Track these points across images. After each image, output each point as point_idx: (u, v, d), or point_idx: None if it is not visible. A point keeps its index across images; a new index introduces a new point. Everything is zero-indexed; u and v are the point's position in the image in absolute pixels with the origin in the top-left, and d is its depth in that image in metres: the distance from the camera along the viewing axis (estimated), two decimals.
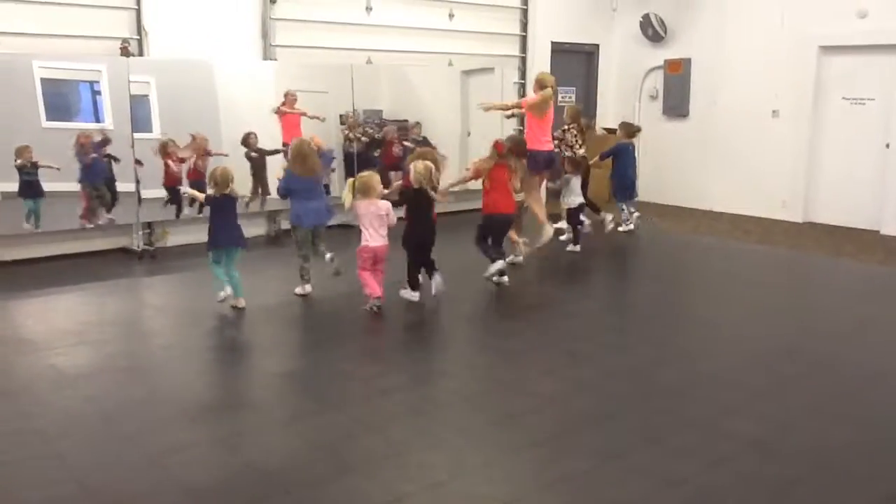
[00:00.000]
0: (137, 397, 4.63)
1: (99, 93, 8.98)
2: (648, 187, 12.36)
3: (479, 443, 3.98)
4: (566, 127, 9.26)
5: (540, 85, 8.11)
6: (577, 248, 8.73)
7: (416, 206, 6.55)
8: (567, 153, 9.00)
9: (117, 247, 8.48)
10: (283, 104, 9.63)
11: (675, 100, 11.81)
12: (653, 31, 11.84)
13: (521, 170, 7.46)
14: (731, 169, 11.20)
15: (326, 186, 7.91)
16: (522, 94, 11.76)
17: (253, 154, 9.37)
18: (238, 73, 9.45)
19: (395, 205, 6.55)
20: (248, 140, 9.38)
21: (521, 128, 9.67)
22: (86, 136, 8.42)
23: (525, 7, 11.78)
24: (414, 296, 6.55)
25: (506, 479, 3.63)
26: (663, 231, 10.10)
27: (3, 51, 7.69)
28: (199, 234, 8.17)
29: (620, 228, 9.83)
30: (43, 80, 8.28)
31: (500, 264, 7.02)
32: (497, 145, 7.28)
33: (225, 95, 9.31)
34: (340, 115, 10.31)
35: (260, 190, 9.52)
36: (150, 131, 8.94)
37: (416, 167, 6.47)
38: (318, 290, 6.80)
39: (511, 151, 7.28)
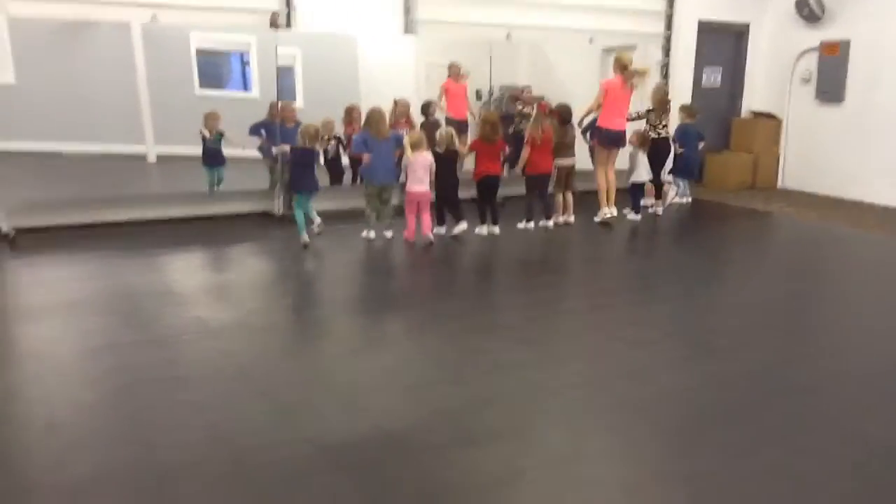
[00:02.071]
0: (271, 354, 4.83)
1: (248, 63, 9.37)
2: (795, 175, 11.82)
3: (603, 427, 3.92)
4: (650, 108, 9.45)
5: (620, 65, 8.55)
6: (638, 216, 9.27)
7: (441, 163, 7.80)
8: (651, 134, 9.35)
9: (260, 210, 8.80)
10: (448, 77, 9.82)
11: (830, 84, 11.14)
12: (809, 10, 11.18)
13: (557, 133, 8.51)
14: (886, 159, 10.48)
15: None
16: (666, 73, 11.44)
17: (431, 120, 9.53)
18: (380, 47, 9.61)
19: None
20: (427, 109, 9.61)
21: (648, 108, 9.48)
22: (291, 109, 8.62)
23: None
24: (440, 229, 8.03)
25: (626, 466, 3.56)
26: (807, 220, 9.60)
27: (162, 21, 8.07)
28: (334, 202, 8.45)
29: (675, 200, 10.32)
30: (198, 51, 8.70)
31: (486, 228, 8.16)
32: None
33: (366, 68, 9.50)
34: (477, 91, 10.34)
35: None
36: (294, 101, 9.24)
37: (440, 133, 7.91)
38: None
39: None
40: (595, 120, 8.87)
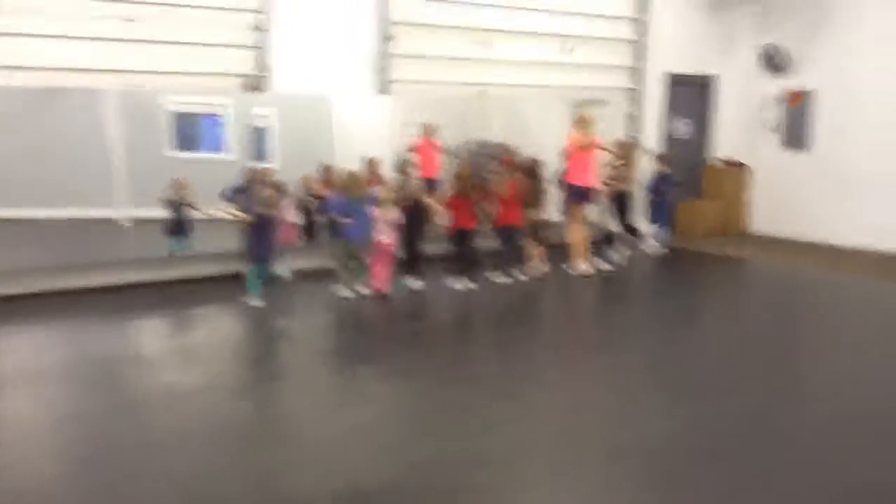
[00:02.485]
0: (243, 416, 4.77)
1: (222, 125, 9.44)
2: (765, 220, 11.96)
3: (586, 482, 3.88)
4: (618, 163, 9.58)
5: (581, 123, 8.84)
6: (611, 266, 9.28)
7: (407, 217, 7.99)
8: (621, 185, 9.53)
9: (232, 272, 8.74)
10: (424, 136, 9.94)
11: (796, 131, 11.37)
12: (774, 62, 11.46)
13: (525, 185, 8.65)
14: (854, 202, 10.64)
15: None
16: (636, 126, 11.62)
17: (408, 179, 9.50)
18: (354, 107, 9.72)
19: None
20: (404, 167, 9.67)
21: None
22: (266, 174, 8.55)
23: (639, 39, 11.63)
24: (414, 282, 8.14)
25: None
26: (779, 265, 9.69)
27: (134, 86, 8.12)
28: (315, 260, 8.44)
29: (648, 247, 10.33)
30: (171, 113, 8.77)
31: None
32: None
33: (341, 127, 9.59)
34: (449, 146, 10.44)
35: None
36: (268, 161, 9.30)
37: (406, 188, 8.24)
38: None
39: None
40: (562, 173, 9.02)
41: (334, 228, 8.43)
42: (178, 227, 8.48)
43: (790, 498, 3.61)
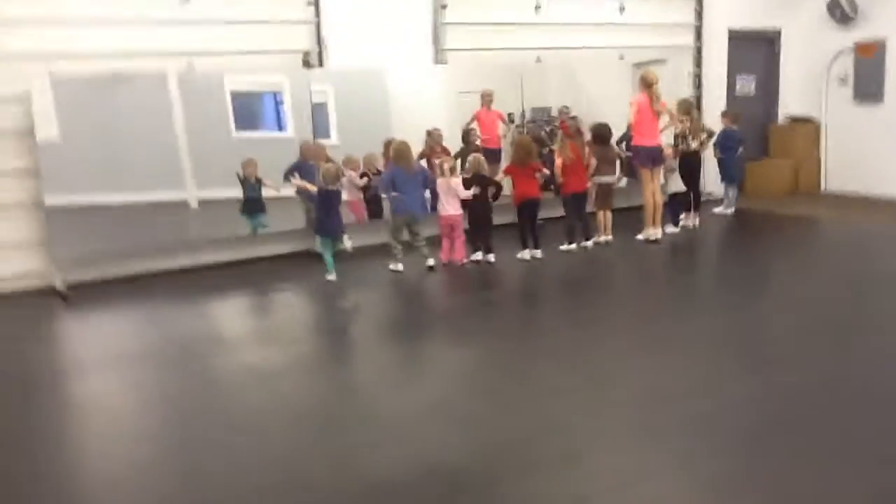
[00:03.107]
0: (323, 395, 4.83)
1: (282, 103, 9.47)
2: (837, 178, 11.61)
3: (664, 446, 3.84)
4: (681, 119, 9.25)
5: (645, 83, 8.62)
6: (677, 229, 9.20)
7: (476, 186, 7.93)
8: (682, 146, 9.19)
9: (302, 249, 8.84)
10: (482, 106, 9.87)
11: (868, 84, 10.96)
12: (841, 12, 11.04)
13: (596, 151, 8.63)
14: None
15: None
16: (698, 84, 11.35)
17: (472, 148, 9.41)
18: (410, 79, 9.66)
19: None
20: (468, 136, 9.64)
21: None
22: (319, 149, 8.66)
23: None
24: (476, 256, 8.07)
25: (691, 482, 3.48)
26: (853, 223, 9.42)
27: (197, 68, 8.22)
28: (373, 237, 8.48)
29: (717, 210, 10.32)
30: (232, 93, 8.82)
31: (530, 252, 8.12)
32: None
33: (397, 100, 9.55)
34: (509, 114, 10.34)
35: None
36: (329, 138, 9.31)
37: (469, 160, 8.21)
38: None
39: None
40: (628, 136, 8.85)
41: (375, 206, 8.53)
42: (254, 205, 8.61)
43: (869, 465, 3.52)
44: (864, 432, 3.90)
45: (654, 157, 8.71)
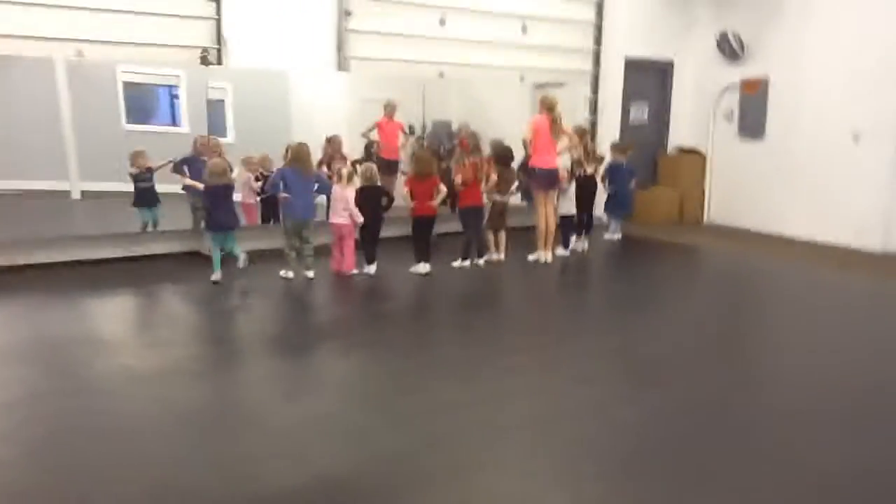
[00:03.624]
0: (203, 401, 4.71)
1: (177, 97, 9.23)
2: (720, 210, 12.14)
3: (549, 466, 3.91)
4: (579, 148, 9.48)
5: (546, 105, 8.70)
6: (567, 252, 9.42)
7: (364, 199, 7.94)
8: (578, 170, 9.46)
9: (189, 250, 8.62)
10: (384, 116, 9.87)
11: (751, 120, 11.52)
12: (730, 49, 11.57)
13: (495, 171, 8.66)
14: (807, 193, 10.82)
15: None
16: (594, 109, 11.69)
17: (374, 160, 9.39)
18: (312, 83, 9.59)
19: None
20: (370, 149, 9.64)
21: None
22: (213, 144, 8.45)
23: (599, 22, 11.68)
24: (369, 269, 8.07)
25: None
26: (733, 254, 9.89)
27: (88, 57, 7.90)
28: (267, 241, 8.35)
29: (606, 236, 10.61)
30: (125, 84, 8.54)
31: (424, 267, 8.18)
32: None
33: (298, 104, 9.46)
34: (410, 126, 10.39)
35: None
36: (225, 136, 9.12)
37: (361, 170, 8.22)
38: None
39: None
40: (526, 158, 9.00)
41: (269, 207, 8.42)
42: (148, 197, 8.35)
43: (755, 484, 3.69)
44: (747, 453, 4.07)
45: (550, 179, 8.86)
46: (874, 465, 4.00)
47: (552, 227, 8.94)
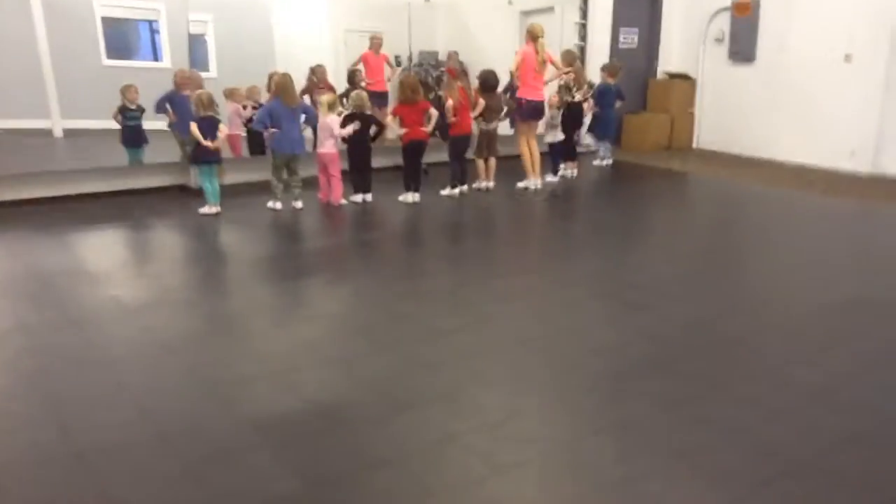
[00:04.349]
0: (193, 331, 4.70)
1: (157, 32, 9.04)
2: (709, 135, 12.07)
3: (535, 386, 3.94)
4: (565, 70, 9.38)
5: (532, 35, 8.59)
6: (556, 178, 9.48)
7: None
8: (566, 97, 9.38)
9: (177, 184, 8.55)
10: (370, 47, 9.70)
11: (742, 44, 11.37)
12: None
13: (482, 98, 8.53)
14: (797, 117, 10.76)
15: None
16: (584, 34, 11.50)
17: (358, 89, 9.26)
18: (295, 13, 9.40)
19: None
20: (353, 77, 9.46)
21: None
22: (191, 77, 8.27)
23: None
24: (356, 197, 8.06)
25: (559, 422, 3.59)
26: (723, 180, 9.85)
27: None
28: (255, 173, 8.28)
29: (595, 163, 10.62)
30: (103, 19, 8.35)
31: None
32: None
33: (281, 35, 9.28)
34: (396, 56, 10.22)
35: None
36: (207, 70, 8.97)
37: (352, 96, 8.09)
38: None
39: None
40: (514, 87, 8.89)
41: (255, 140, 8.30)
42: (136, 136, 8.23)
43: (738, 402, 3.73)
44: (731, 372, 4.11)
45: (537, 110, 8.81)
46: (859, 375, 4.06)
47: (536, 154, 8.88)
